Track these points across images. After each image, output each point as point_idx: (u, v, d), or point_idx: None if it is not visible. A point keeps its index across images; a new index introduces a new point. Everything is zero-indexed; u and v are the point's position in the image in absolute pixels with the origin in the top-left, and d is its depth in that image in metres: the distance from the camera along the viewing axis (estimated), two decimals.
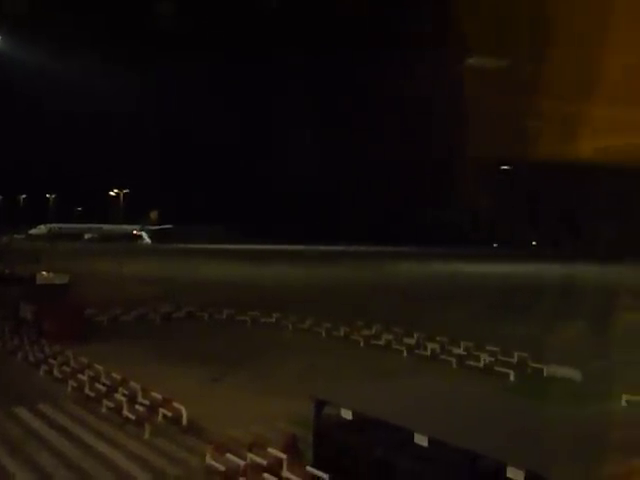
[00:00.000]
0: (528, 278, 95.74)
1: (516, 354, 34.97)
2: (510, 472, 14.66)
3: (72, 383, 28.81)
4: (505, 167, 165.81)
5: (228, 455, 19.72)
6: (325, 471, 17.68)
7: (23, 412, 25.68)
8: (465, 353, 36.51)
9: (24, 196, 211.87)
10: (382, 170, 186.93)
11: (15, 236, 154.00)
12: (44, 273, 46.00)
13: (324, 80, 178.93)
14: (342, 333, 42.81)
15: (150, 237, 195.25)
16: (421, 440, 16.37)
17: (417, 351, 38.07)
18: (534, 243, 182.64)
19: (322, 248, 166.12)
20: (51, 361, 32.41)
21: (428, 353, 37.42)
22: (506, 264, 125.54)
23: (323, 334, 43.42)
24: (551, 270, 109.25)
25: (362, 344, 40.67)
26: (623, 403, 26.83)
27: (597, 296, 62.17)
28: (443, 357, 36.48)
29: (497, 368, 33.60)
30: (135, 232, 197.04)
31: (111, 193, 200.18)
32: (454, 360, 35.53)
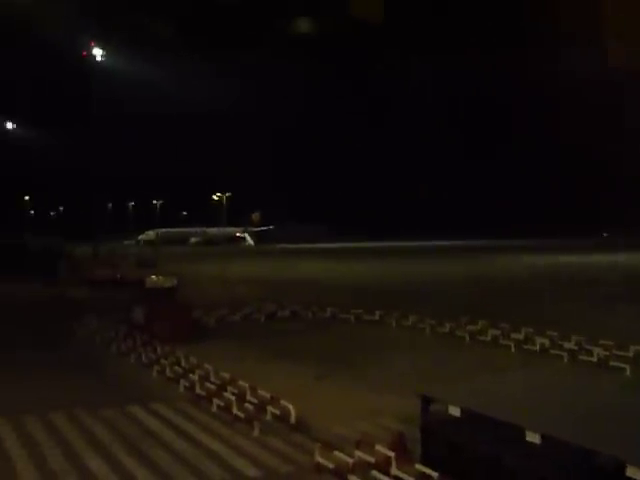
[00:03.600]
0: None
1: (632, 348, 33.44)
2: (630, 471, 13.95)
3: (183, 382, 29.59)
4: None
5: (336, 452, 19.76)
6: (434, 469, 17.44)
7: (138, 411, 26.51)
8: (577, 347, 35.22)
9: (132, 203, 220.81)
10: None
11: (125, 242, 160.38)
12: (153, 277, 47.51)
13: (449, 82, 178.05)
14: (447, 329, 42.18)
15: (253, 239, 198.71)
16: (533, 437, 15.87)
17: (525, 346, 37.01)
18: None
19: (429, 244, 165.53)
20: (163, 362, 33.32)
21: (537, 348, 36.32)
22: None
23: (427, 331, 42.92)
24: None
25: (468, 340, 39.94)
26: None
27: None
28: (553, 352, 35.31)
29: (612, 362, 32.26)
30: (238, 234, 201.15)
31: (214, 197, 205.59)
32: (565, 355, 34.36)
